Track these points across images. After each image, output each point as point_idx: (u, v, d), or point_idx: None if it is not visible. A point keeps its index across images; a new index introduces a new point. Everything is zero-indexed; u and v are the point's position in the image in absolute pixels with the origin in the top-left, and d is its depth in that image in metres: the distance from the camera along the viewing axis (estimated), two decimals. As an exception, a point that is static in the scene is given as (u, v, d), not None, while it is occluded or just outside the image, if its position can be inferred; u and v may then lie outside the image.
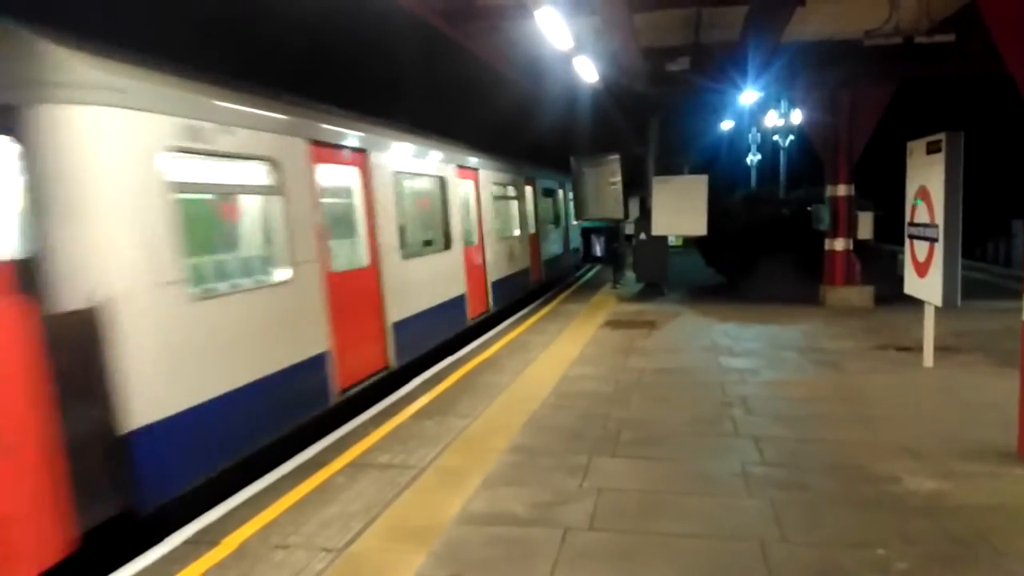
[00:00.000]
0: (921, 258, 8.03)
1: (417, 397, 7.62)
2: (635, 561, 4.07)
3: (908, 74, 12.53)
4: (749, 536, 4.31)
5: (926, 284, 7.93)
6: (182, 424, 4.96)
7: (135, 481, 4.61)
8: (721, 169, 32.55)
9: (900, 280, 8.82)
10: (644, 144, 17.22)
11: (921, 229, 7.99)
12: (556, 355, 9.42)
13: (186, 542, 4.43)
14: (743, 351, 9.45)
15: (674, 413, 6.81)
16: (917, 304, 8.44)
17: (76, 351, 4.30)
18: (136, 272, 4.71)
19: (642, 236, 15.17)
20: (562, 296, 15.76)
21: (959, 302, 7.58)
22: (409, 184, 10.01)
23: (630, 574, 3.95)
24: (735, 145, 35.92)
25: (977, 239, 21.13)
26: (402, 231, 9.15)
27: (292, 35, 21.68)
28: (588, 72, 11.72)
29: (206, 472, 5.23)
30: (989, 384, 7.50)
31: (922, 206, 7.96)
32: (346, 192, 8.11)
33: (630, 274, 16.74)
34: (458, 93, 25.03)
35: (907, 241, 8.44)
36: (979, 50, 9.55)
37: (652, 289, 15.31)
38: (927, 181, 7.80)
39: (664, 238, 15.15)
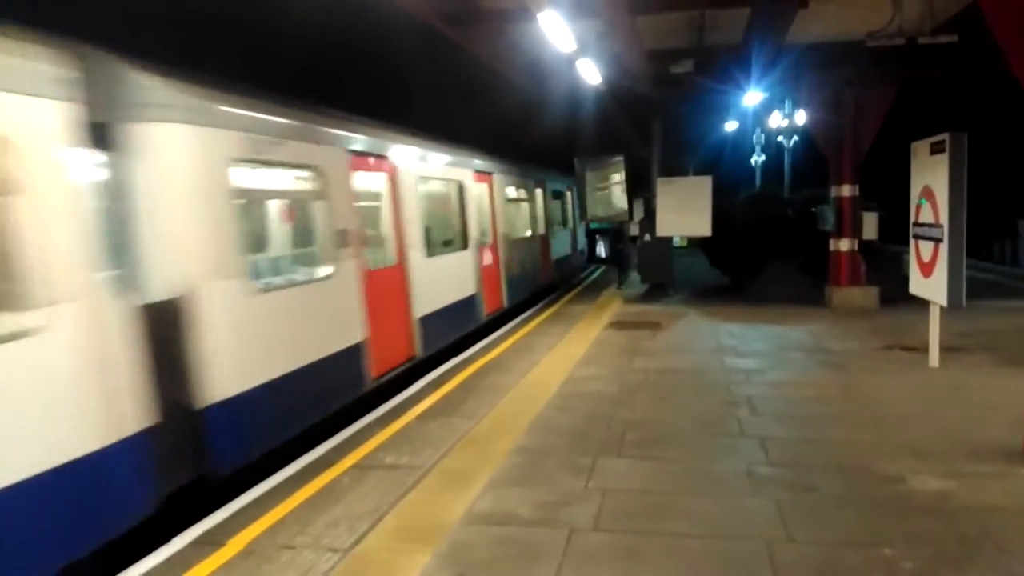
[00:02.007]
0: (926, 258, 8.02)
1: (422, 398, 7.64)
2: (640, 561, 4.07)
3: (912, 75, 12.52)
4: (755, 536, 4.31)
5: (931, 284, 7.93)
6: None
7: None
8: (725, 170, 32.40)
9: (905, 280, 8.80)
10: (648, 146, 17.23)
11: (926, 229, 7.99)
12: (561, 356, 9.43)
13: (193, 543, 4.46)
14: (748, 352, 9.44)
15: (679, 414, 6.81)
16: (923, 304, 8.43)
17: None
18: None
19: (647, 237, 15.19)
20: (567, 297, 15.77)
21: (964, 302, 7.57)
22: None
23: (635, 574, 3.96)
24: (739, 146, 35.82)
25: (984, 239, 21.08)
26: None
27: (295, 40, 21.78)
28: (591, 74, 11.74)
29: None
30: (995, 384, 7.48)
31: (927, 206, 7.95)
32: None
33: (635, 275, 16.74)
34: (458, 96, 25.09)
35: (912, 241, 8.43)
36: (982, 50, 9.52)
37: (657, 290, 15.31)
38: (931, 181, 7.80)
39: (669, 239, 15.17)
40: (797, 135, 28.67)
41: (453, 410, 7.16)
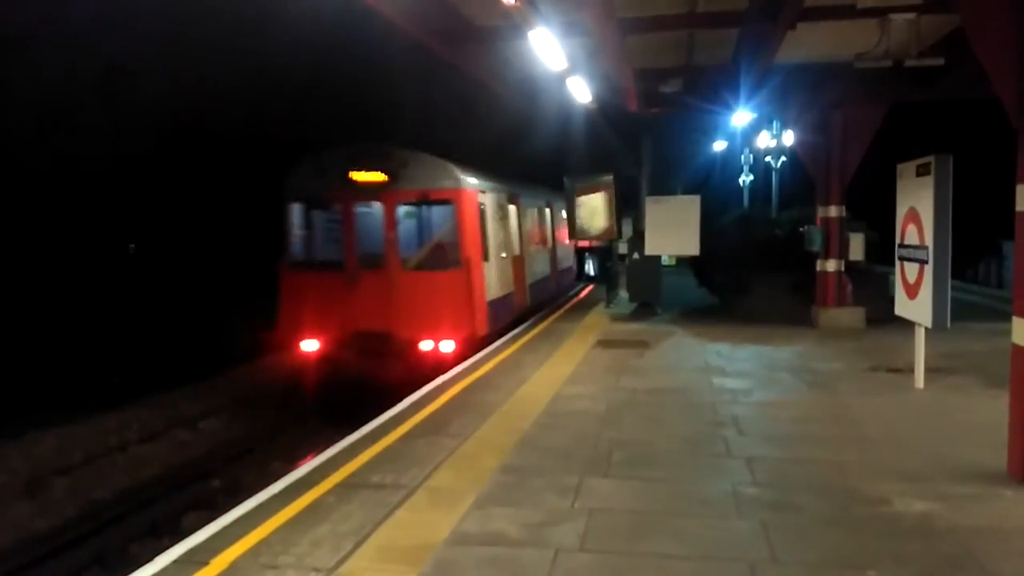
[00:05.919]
0: (911, 280, 8.08)
1: (408, 417, 7.60)
2: (626, 582, 4.05)
3: (899, 97, 12.66)
4: (740, 557, 4.30)
5: (916, 306, 7.98)
6: None
7: None
8: (714, 190, 32.80)
9: (891, 301, 8.86)
10: (637, 165, 17.33)
11: (911, 251, 8.04)
12: (549, 374, 9.42)
13: (175, 562, 4.40)
14: (735, 371, 9.46)
15: (666, 433, 6.80)
16: (908, 325, 8.48)
17: None
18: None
19: (635, 256, 15.24)
20: (555, 316, 15.78)
21: (949, 323, 7.61)
22: None
23: (621, 595, 3.94)
24: (728, 166, 36.09)
25: (969, 260, 21.24)
26: None
27: (293, 63, 21.85)
28: (581, 92, 11.82)
29: None
30: (979, 405, 7.52)
31: (912, 228, 8.01)
32: None
33: (623, 293, 16.78)
34: (445, 111, 25.16)
35: (897, 263, 8.49)
36: (968, 74, 9.65)
37: (645, 309, 15.34)
38: (917, 203, 7.86)
39: (657, 258, 15.22)
40: (785, 155, 28.84)
41: (440, 428, 7.13)
